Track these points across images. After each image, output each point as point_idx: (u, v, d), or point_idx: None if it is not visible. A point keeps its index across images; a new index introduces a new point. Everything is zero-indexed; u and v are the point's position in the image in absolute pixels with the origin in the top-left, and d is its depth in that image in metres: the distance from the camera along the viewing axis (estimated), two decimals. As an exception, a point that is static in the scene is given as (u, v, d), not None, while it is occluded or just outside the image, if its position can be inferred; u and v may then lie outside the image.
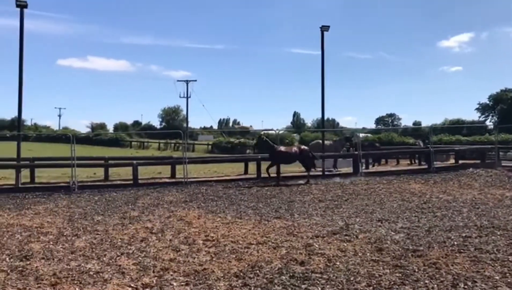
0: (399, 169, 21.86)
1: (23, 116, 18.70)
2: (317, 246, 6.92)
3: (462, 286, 4.99)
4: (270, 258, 6.26)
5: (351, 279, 5.32)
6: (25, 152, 22.64)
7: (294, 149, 17.73)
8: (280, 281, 5.27)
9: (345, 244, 7.00)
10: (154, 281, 5.33)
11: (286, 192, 13.82)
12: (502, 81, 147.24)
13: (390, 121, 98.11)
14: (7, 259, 6.33)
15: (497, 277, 5.26)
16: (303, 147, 18.30)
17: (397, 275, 5.44)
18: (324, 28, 20.42)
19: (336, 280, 5.29)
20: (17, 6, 16.54)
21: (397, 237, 7.43)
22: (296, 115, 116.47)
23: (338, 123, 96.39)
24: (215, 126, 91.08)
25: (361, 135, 33.21)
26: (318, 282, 5.23)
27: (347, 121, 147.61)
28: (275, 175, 16.72)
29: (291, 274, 5.53)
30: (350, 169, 19.97)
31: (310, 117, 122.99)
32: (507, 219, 8.71)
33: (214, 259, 6.29)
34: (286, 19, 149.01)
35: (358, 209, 10.28)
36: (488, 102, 70.08)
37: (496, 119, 65.89)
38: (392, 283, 5.15)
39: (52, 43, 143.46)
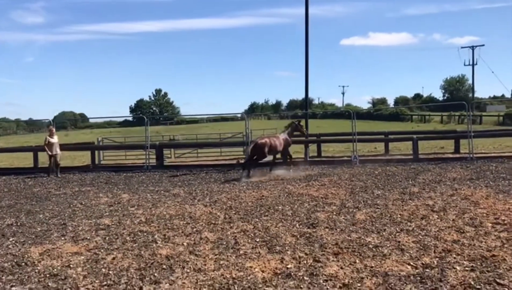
0: None
1: (312, 96, 20.54)
2: None
3: None
4: None
5: None
6: (313, 128, 24.97)
7: None
8: None
9: None
10: (435, 262, 5.08)
11: None
12: None
13: None
14: (297, 225, 7.09)
15: None
16: None
17: None
18: None
19: None
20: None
21: None
22: None
23: None
24: (508, 95, 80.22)
25: None
26: None
27: None
28: None
29: None
30: None
31: None
32: None
33: (505, 245, 5.57)
34: None
35: None
36: None
37: None
38: None
39: (335, 24, 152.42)
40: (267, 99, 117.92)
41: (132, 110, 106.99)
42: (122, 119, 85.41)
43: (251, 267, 5.17)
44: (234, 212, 8.26)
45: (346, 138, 18.57)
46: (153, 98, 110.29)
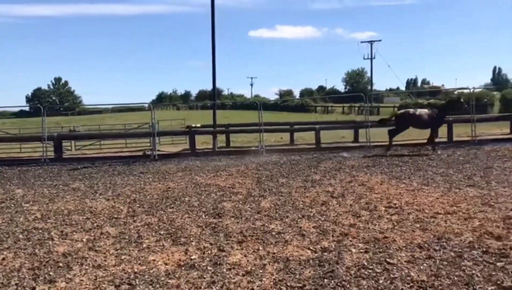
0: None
1: (221, 86, 20.60)
2: (520, 219, 6.05)
3: None
4: (459, 230, 5.70)
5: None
6: (222, 119, 24.98)
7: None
8: (471, 256, 4.75)
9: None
10: (333, 245, 5.33)
11: (482, 157, 12.43)
12: None
13: None
14: (203, 216, 7.07)
15: None
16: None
17: None
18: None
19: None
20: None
21: None
22: (497, 70, 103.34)
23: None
24: (402, 88, 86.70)
25: None
26: (522, 261, 4.56)
27: None
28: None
29: (484, 249, 4.94)
30: None
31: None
32: None
33: (396, 227, 6.00)
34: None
35: None
36: None
37: None
38: None
39: (243, 16, 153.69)
40: (175, 89, 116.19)
41: (28, 99, 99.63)
42: (17, 109, 79.31)
43: (154, 260, 5.05)
44: (138, 205, 8.02)
45: (254, 129, 18.87)
46: (52, 87, 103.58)
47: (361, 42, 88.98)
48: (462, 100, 15.38)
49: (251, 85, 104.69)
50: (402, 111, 16.43)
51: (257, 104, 19.05)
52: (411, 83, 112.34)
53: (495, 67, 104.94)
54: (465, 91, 29.32)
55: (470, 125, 16.86)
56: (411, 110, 15.43)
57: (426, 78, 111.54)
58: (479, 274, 4.27)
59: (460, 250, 4.97)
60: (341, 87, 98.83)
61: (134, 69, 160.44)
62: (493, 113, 33.63)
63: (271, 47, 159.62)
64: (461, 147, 15.00)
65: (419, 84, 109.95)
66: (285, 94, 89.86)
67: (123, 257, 5.21)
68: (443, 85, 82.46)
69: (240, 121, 24.67)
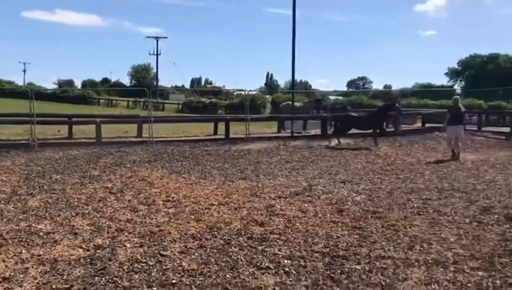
0: (367, 131, 22.02)
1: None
2: (278, 207, 6.86)
3: (418, 248, 5.01)
4: (230, 219, 6.16)
5: (309, 240, 5.29)
6: (-16, 108, 21.71)
7: None
8: (237, 243, 5.19)
9: (307, 205, 6.97)
10: (107, 242, 5.16)
11: (254, 153, 13.71)
12: (472, 47, 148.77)
13: (361, 84, 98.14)
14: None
15: (452, 239, 5.31)
16: None
17: (355, 236, 5.43)
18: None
19: (294, 241, 5.24)
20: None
21: (358, 198, 7.45)
22: (269, 76, 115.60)
23: (310, 85, 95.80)
24: (187, 86, 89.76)
25: (332, 97, 33.22)
26: (275, 243, 5.17)
27: (319, 84, 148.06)
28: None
29: (249, 235, 5.46)
30: (319, 131, 19.97)
31: (283, 79, 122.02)
32: (467, 182, 8.84)
33: (172, 220, 6.15)
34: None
35: (322, 171, 10.28)
36: (457, 67, 70.82)
37: (463, 84, 66.76)
38: (350, 244, 5.13)
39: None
40: None
41: None
42: None
43: None
44: None
45: (23, 119, 16.94)
46: None
47: (147, 37, 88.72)
48: (397, 104, 17.88)
49: (24, 71, 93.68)
50: (344, 114, 18.42)
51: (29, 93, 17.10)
52: (195, 82, 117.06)
53: (268, 73, 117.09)
54: (243, 92, 32.04)
55: (245, 124, 18.42)
56: (354, 114, 17.84)
57: (209, 78, 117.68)
58: (243, 259, 4.68)
59: (229, 237, 5.38)
60: (126, 81, 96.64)
61: None
62: (265, 114, 37.41)
63: (49, 32, 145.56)
64: (237, 144, 16.26)
65: (202, 83, 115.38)
66: (65, 84, 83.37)
67: None
68: (224, 86, 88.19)
69: (9, 111, 21.92)
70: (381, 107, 18.47)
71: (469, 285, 4.00)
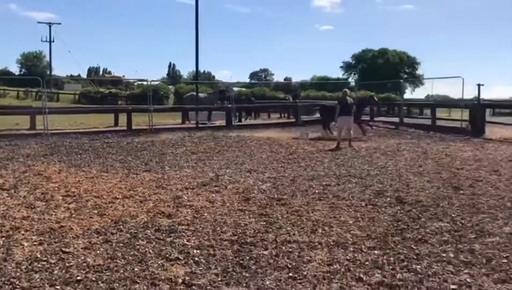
0: (270, 122, 22.69)
1: None
2: (186, 198, 6.84)
3: (320, 231, 5.30)
4: (135, 212, 6.02)
5: (217, 229, 5.35)
6: None
7: None
8: (145, 235, 5.09)
9: (214, 195, 7.02)
10: (1, 242, 4.78)
11: (158, 144, 13.46)
12: (365, 42, 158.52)
13: (263, 76, 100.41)
14: None
15: (350, 222, 5.68)
16: None
17: (262, 223, 5.59)
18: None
19: (202, 231, 5.27)
20: None
21: (264, 186, 7.66)
22: (172, 66, 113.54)
23: (214, 76, 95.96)
24: (84, 75, 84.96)
25: (236, 89, 33.59)
26: (184, 234, 5.16)
27: (223, 75, 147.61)
28: None
29: (156, 228, 5.38)
30: (223, 122, 20.13)
31: (187, 69, 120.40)
32: (362, 168, 9.49)
33: (73, 215, 5.86)
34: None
35: (229, 161, 10.40)
36: (351, 61, 75.17)
37: (357, 77, 71.05)
38: (257, 231, 5.28)
39: None
40: None
41: None
42: None
43: None
44: None
45: None
46: None
47: (39, 22, 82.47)
48: (374, 97, 17.87)
49: None
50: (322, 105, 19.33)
51: None
52: (93, 71, 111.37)
53: (170, 63, 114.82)
54: (145, 83, 31.14)
55: (148, 114, 17.98)
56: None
57: (108, 68, 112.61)
58: (151, 251, 4.61)
59: (135, 231, 5.25)
60: (15, 70, 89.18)
61: None
62: (168, 105, 36.80)
63: None
64: (140, 135, 15.83)
65: (101, 73, 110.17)
66: None
67: None
68: (123, 76, 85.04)
69: None
70: (360, 98, 19.06)
71: (367, 263, 4.32)
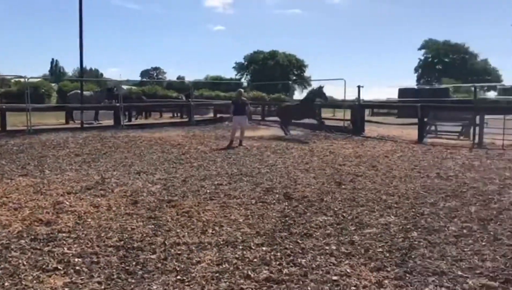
0: (162, 122, 22.21)
1: None
2: (67, 203, 6.38)
3: (210, 231, 5.26)
4: (8, 221, 5.47)
5: (102, 235, 5.05)
6: None
7: None
8: (18, 246, 4.64)
9: (99, 199, 6.64)
10: None
11: (37, 146, 12.45)
12: (256, 44, 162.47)
13: (155, 74, 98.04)
14: None
15: (240, 220, 5.72)
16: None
17: (150, 226, 5.41)
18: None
19: (85, 238, 4.94)
20: None
21: (153, 188, 7.43)
22: (54, 62, 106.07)
23: (102, 74, 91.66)
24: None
25: (125, 87, 32.38)
26: (64, 242, 4.79)
27: (112, 73, 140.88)
28: None
29: (33, 237, 4.93)
30: (111, 122, 19.27)
31: (71, 66, 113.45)
32: (253, 167, 9.65)
33: None
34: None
35: (116, 163, 9.95)
36: (243, 62, 76.53)
37: (249, 77, 72.58)
38: (145, 235, 5.08)
39: None
40: None
41: None
42: None
43: None
44: None
45: None
46: None
47: None
48: (323, 89, 17.13)
49: None
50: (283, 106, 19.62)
51: None
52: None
53: (53, 59, 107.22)
54: (22, 80, 28.63)
55: (26, 114, 16.58)
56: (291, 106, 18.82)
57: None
58: (25, 263, 4.21)
59: (7, 241, 4.77)
60: None
61: None
62: (50, 104, 34.32)
63: None
64: (16, 137, 14.52)
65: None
66: None
67: None
68: (-1, 72, 77.65)
69: None
70: (308, 96, 18.43)
71: (255, 260, 4.36)
